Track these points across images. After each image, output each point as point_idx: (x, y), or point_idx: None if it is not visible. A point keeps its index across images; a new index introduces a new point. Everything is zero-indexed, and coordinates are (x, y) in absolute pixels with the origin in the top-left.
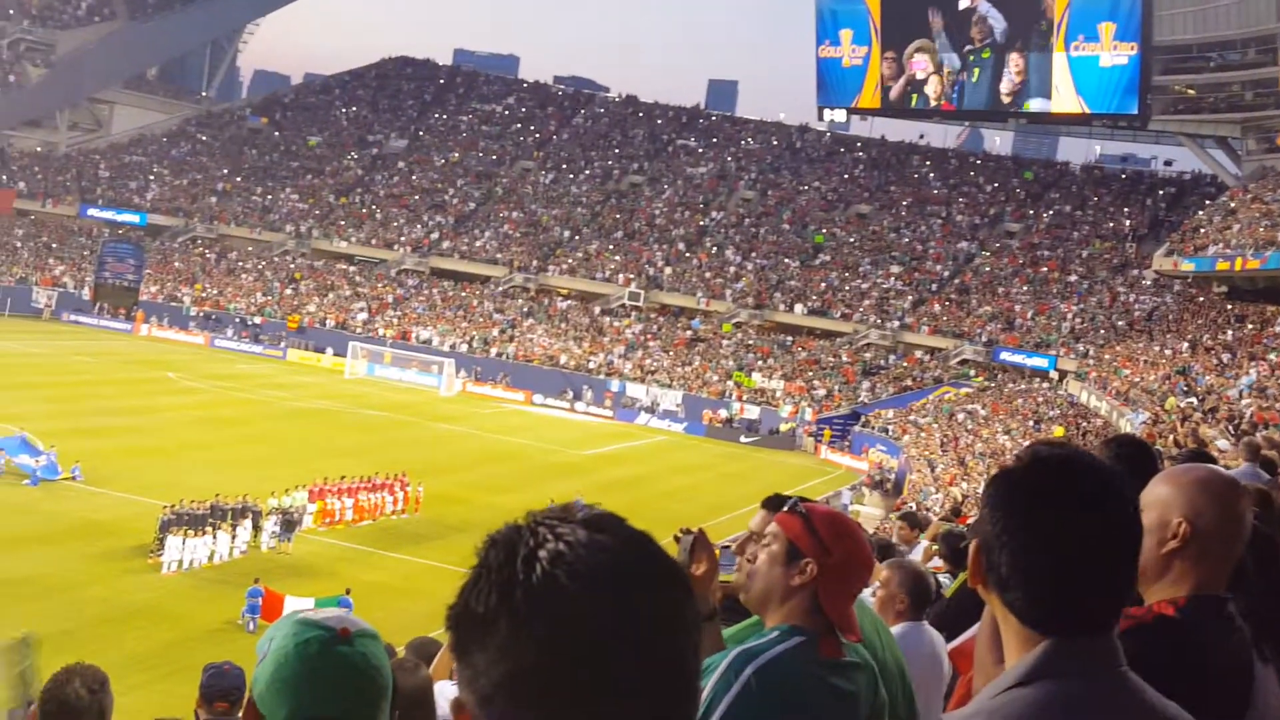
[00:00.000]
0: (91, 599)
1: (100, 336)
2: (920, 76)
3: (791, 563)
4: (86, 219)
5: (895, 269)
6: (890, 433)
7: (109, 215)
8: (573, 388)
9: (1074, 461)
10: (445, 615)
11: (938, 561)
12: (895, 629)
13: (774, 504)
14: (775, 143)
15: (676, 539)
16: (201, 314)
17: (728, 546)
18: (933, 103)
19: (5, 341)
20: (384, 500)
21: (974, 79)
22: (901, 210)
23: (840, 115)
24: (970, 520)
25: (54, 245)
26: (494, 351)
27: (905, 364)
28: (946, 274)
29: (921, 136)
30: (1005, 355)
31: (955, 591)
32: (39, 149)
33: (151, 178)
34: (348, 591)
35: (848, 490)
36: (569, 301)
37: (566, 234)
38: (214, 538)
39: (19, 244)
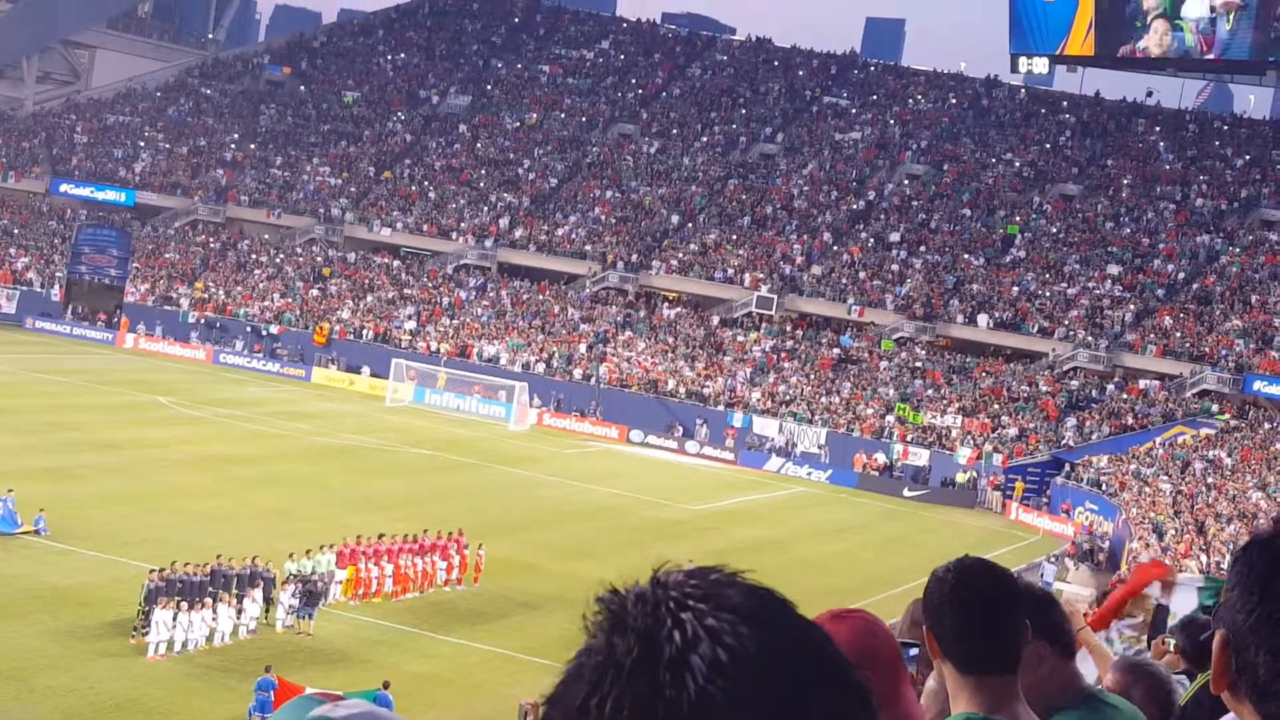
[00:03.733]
0: (53, 689)
1: (73, 349)
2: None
3: None
4: (58, 197)
5: (1113, 269)
6: (1104, 486)
7: (86, 192)
8: (682, 422)
9: None
10: (543, 716)
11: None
12: None
13: None
14: (954, 101)
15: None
16: (203, 321)
17: (911, 644)
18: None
19: None
20: (433, 566)
21: (1228, 24)
22: (1121, 191)
23: (1041, 65)
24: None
25: (16, 230)
26: (579, 374)
27: (1125, 396)
28: (1181, 276)
29: (1150, 94)
30: (1261, 385)
31: (1193, 696)
32: (0, 107)
33: (142, 144)
34: (386, 685)
35: (1047, 562)
36: (678, 309)
37: (676, 220)
38: (214, 612)
39: None
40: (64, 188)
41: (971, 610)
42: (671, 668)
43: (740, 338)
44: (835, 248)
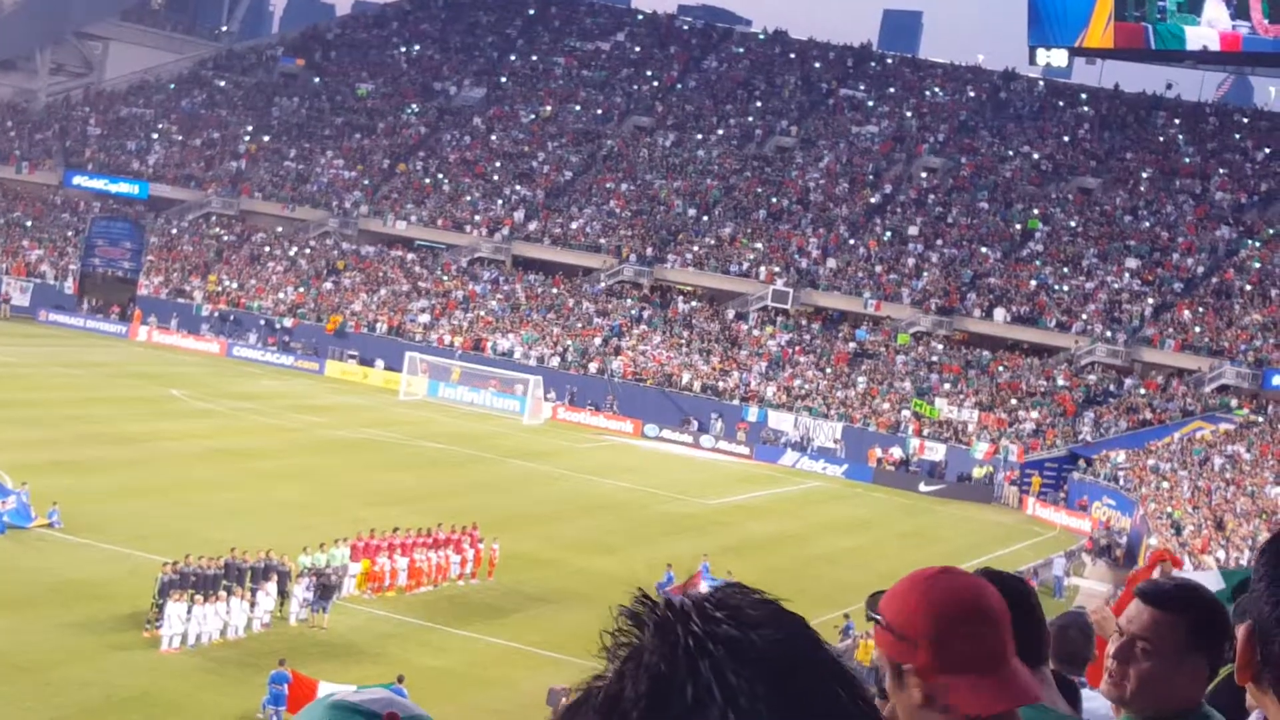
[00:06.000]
0: (69, 682)
1: (86, 341)
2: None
3: (901, 683)
4: (71, 189)
5: (1131, 263)
6: (1121, 482)
7: (100, 185)
8: (697, 416)
9: None
10: None
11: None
12: None
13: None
14: (971, 94)
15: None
16: (216, 314)
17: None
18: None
19: None
20: (447, 560)
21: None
22: (1140, 185)
23: (1060, 57)
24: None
25: (29, 223)
26: (594, 368)
27: (1143, 390)
28: (1201, 271)
29: (1169, 86)
30: None
31: (1212, 691)
32: (12, 98)
33: (155, 136)
34: (400, 679)
35: (1061, 557)
36: (694, 303)
37: (692, 213)
38: (228, 605)
39: None
40: (77, 180)
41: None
42: (687, 715)
43: (755, 332)
44: (851, 241)
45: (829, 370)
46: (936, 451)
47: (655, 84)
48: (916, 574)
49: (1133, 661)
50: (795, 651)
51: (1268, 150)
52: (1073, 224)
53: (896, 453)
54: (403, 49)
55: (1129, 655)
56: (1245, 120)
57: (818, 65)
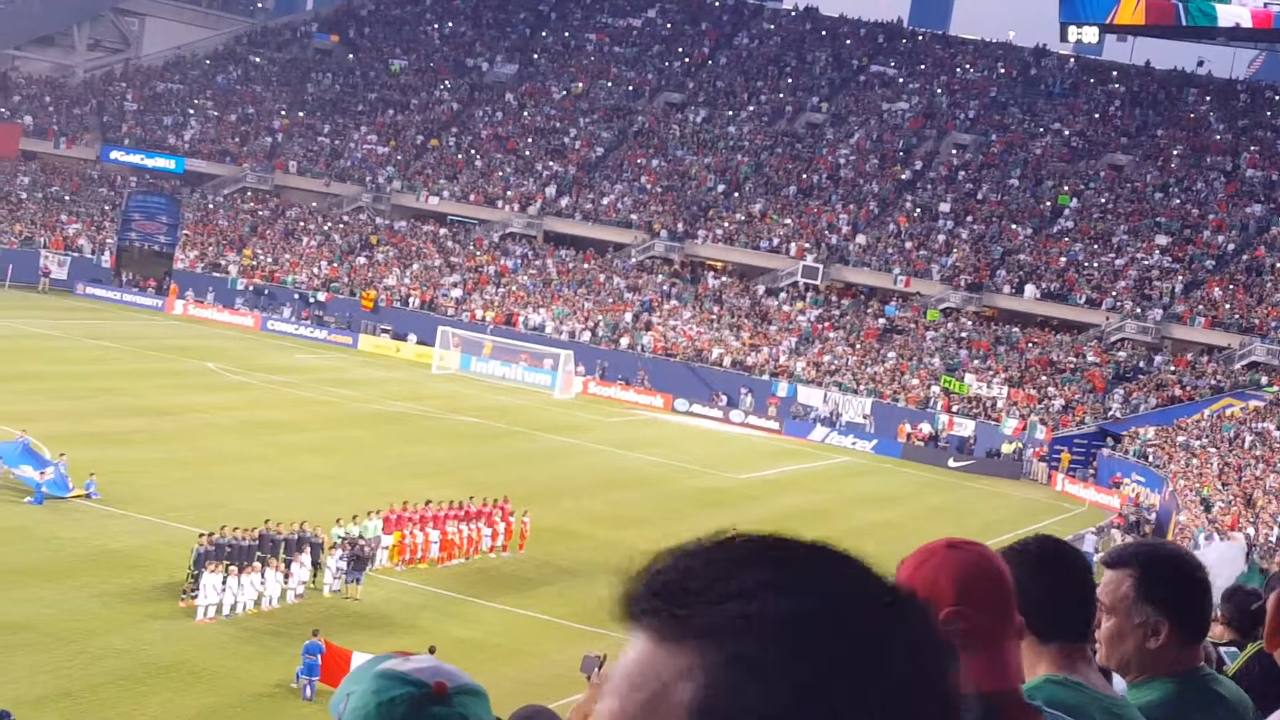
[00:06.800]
0: (106, 651)
1: (123, 315)
2: None
3: None
4: (109, 164)
5: (1162, 240)
6: (1151, 458)
7: (137, 159)
8: (727, 391)
9: None
10: (626, 596)
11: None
12: None
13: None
14: (1003, 70)
15: None
16: (251, 288)
17: None
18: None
19: (3, 320)
20: (479, 533)
21: None
22: (1171, 162)
23: (1091, 34)
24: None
25: (67, 197)
26: (625, 342)
27: (1173, 367)
28: (1231, 248)
29: (1201, 63)
30: None
31: (1243, 665)
32: (51, 74)
33: (191, 112)
34: (432, 651)
35: (1091, 533)
36: (724, 278)
37: (722, 189)
38: (262, 576)
39: (24, 194)
40: (114, 155)
41: (1058, 580)
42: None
43: (785, 308)
44: (882, 217)
45: (858, 346)
46: (965, 427)
47: (686, 60)
48: (929, 547)
49: (1100, 626)
50: (856, 584)
51: None
52: (1103, 201)
53: (925, 428)
54: (435, 25)
55: (1099, 621)
56: (1277, 97)
57: (848, 42)
